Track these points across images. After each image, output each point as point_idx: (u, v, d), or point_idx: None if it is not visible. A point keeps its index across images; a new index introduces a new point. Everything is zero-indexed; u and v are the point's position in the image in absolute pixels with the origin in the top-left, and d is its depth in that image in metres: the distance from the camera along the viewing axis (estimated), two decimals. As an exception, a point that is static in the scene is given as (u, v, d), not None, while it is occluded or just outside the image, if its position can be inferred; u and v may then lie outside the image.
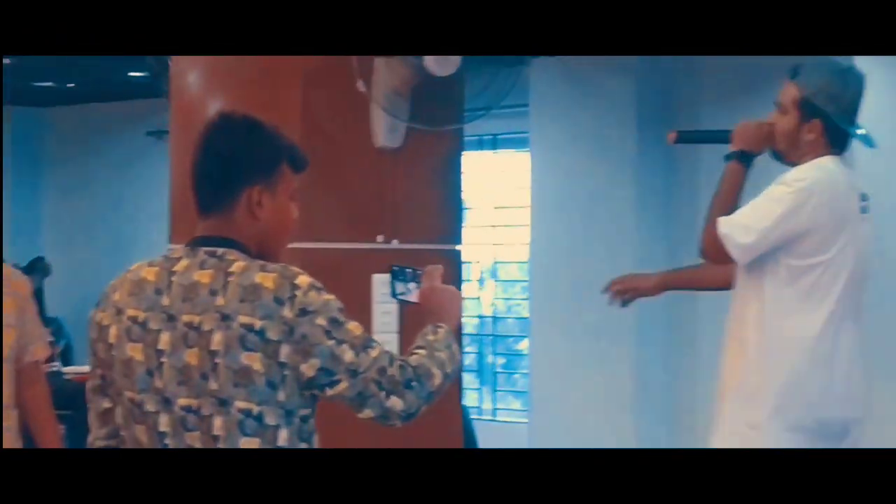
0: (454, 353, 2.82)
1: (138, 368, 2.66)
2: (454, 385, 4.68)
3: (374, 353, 2.64)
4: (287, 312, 2.58)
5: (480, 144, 9.79)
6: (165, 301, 2.66)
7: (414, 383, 2.67)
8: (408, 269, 3.04)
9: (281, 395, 2.59)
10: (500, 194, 9.98)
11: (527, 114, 8.68)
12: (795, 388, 3.69)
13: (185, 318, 2.63)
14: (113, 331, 2.70)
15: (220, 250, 2.67)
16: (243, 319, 2.58)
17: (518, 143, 9.48)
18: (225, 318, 2.59)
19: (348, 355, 2.60)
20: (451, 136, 4.68)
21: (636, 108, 8.17)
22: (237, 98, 4.57)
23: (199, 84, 4.83)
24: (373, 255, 4.52)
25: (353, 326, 2.64)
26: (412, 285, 3.03)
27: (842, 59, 3.86)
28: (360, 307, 4.48)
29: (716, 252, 3.72)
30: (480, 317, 10.13)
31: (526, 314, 9.30)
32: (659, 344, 8.15)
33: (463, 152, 4.86)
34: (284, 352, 2.58)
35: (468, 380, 9.85)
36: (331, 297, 2.63)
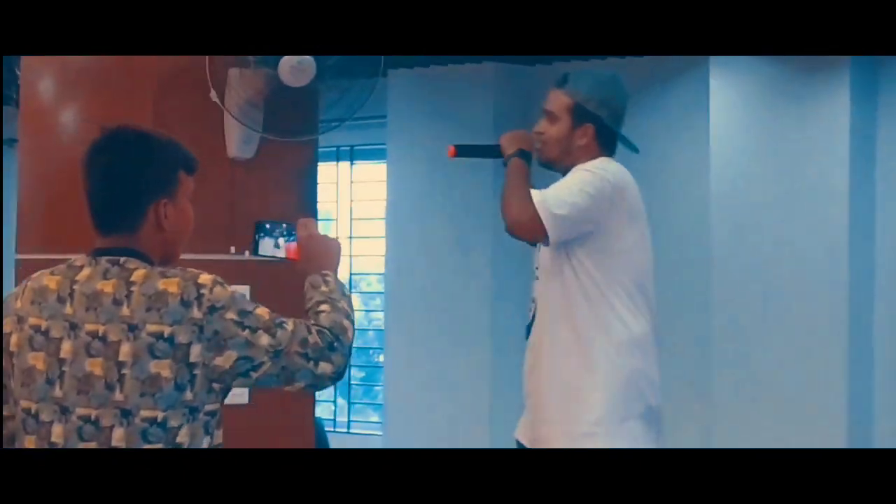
0: (349, 297, 2.90)
1: (38, 377, 2.65)
2: (308, 397, 4.70)
3: (289, 326, 2.70)
4: (196, 313, 2.62)
5: (338, 155, 9.80)
6: (68, 310, 2.66)
7: (336, 344, 2.74)
8: (282, 224, 3.01)
9: (188, 395, 2.63)
10: (358, 205, 10.00)
11: (384, 125, 8.72)
12: (631, 382, 3.86)
13: (89, 327, 2.63)
14: (14, 339, 2.70)
15: (121, 259, 2.68)
16: (151, 328, 2.61)
17: (375, 154, 9.51)
18: (132, 328, 2.61)
19: (264, 339, 2.66)
20: (305, 147, 4.68)
21: (493, 119, 8.25)
22: (88, 106, 4.55)
23: (50, 92, 4.78)
24: (225, 266, 4.49)
25: (262, 311, 2.70)
26: (282, 240, 3.00)
27: (606, 69, 4.07)
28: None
29: (528, 225, 3.78)
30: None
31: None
32: (515, 354, 8.22)
33: (317, 163, 4.87)
34: (195, 352, 2.62)
35: (324, 392, 9.84)
36: (234, 289, 2.69)
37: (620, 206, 3.85)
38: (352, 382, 10.09)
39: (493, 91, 8.28)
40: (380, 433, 9.21)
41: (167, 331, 2.60)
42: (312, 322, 2.77)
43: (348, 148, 9.78)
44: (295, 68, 4.31)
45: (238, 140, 4.50)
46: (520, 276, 7.82)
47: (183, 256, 4.44)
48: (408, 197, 8.66)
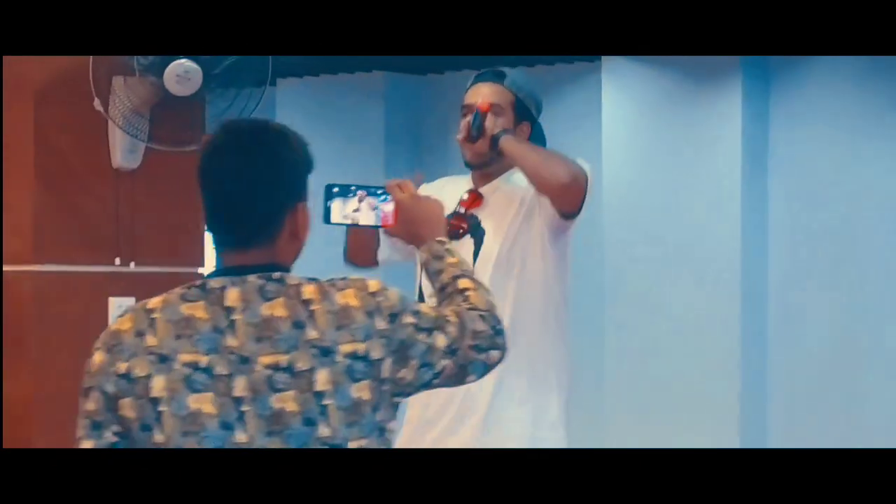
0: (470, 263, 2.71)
1: (209, 422, 2.30)
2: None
3: (453, 318, 2.47)
4: (381, 324, 2.37)
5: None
6: (231, 342, 2.31)
7: (498, 326, 2.53)
8: (352, 186, 2.68)
9: (379, 415, 2.38)
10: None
11: (273, 135, 8.69)
12: (569, 380, 3.84)
13: (266, 359, 2.30)
14: (160, 382, 2.30)
15: (274, 274, 2.38)
16: (346, 349, 2.33)
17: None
18: (325, 352, 2.32)
19: (441, 340, 2.43)
20: (191, 157, 4.64)
21: (384, 128, 8.26)
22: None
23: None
24: (109, 277, 4.48)
25: (425, 307, 2.47)
26: (372, 202, 2.69)
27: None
28: (96, 332, 4.41)
29: (581, 187, 3.69)
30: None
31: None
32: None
33: (204, 173, 4.83)
34: (386, 367, 2.36)
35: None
36: (395, 288, 2.46)
37: None
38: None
39: (383, 100, 8.28)
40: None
41: (361, 348, 2.33)
42: (466, 305, 2.52)
43: (237, 157, 9.74)
44: (181, 77, 4.28)
45: (123, 149, 4.46)
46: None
47: (65, 268, 4.43)
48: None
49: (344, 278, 2.42)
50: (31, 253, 4.37)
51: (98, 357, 2.38)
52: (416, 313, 2.43)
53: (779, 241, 7.12)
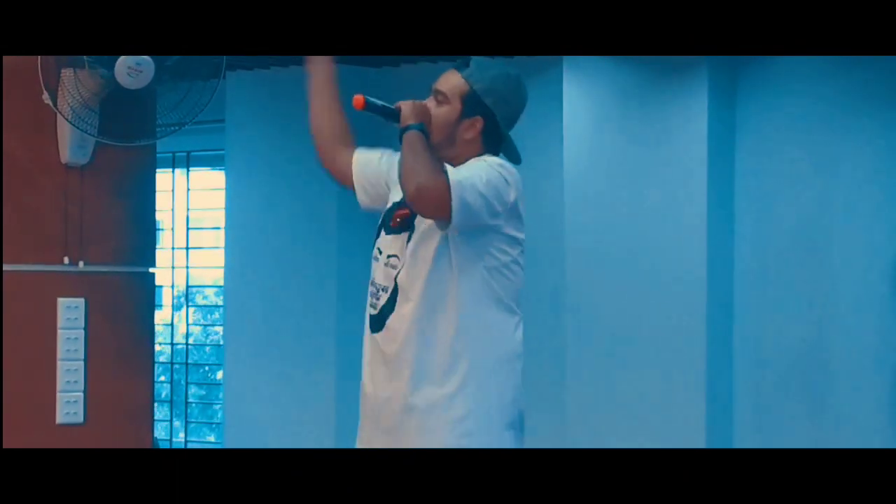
0: None
1: None
2: (145, 417, 4.67)
3: None
4: None
5: (174, 162, 9.74)
6: None
7: None
8: None
9: None
10: (194, 215, 9.95)
11: (223, 130, 8.69)
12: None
13: None
14: None
15: None
16: None
17: (213, 160, 9.48)
18: None
19: None
20: (143, 152, 4.67)
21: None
22: None
23: None
24: (58, 277, 4.48)
25: None
26: None
27: (508, 67, 3.97)
28: (45, 333, 4.43)
29: (434, 197, 3.59)
30: (173, 344, 10.07)
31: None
32: (361, 367, 8.25)
33: (156, 170, 4.85)
34: None
35: (161, 412, 9.78)
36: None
37: (520, 205, 3.78)
38: (189, 401, 10.04)
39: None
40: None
41: None
42: None
43: (184, 154, 9.73)
44: (132, 69, 4.30)
45: (72, 145, 4.47)
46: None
47: (12, 268, 4.44)
48: (248, 205, 8.64)
49: None
50: (-23, 252, 4.38)
51: None
52: None
53: (745, 242, 7.20)
